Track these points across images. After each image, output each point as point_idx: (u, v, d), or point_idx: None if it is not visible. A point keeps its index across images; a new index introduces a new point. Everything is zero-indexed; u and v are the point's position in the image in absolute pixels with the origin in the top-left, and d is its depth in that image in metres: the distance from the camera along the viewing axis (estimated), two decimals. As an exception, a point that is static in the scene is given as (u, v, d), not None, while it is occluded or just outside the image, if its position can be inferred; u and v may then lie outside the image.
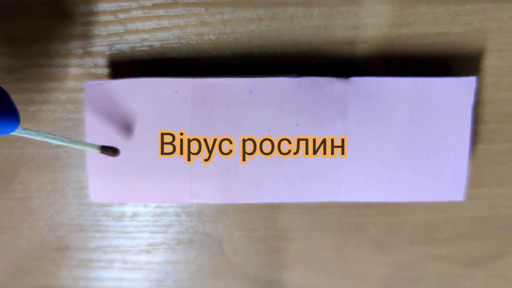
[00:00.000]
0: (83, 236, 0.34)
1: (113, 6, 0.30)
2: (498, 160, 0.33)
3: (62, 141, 0.25)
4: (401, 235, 0.34)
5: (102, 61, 0.31)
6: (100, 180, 0.29)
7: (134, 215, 0.33)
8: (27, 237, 0.34)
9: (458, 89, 0.28)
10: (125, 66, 0.31)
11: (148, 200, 0.29)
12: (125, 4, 0.30)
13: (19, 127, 0.23)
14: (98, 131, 0.29)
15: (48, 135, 0.25)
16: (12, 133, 0.23)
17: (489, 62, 0.31)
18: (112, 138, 0.29)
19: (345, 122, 0.29)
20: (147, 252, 0.34)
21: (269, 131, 0.29)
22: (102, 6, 0.30)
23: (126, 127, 0.29)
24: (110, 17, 0.30)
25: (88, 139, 0.29)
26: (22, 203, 0.33)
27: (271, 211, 0.33)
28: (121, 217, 0.33)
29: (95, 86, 0.28)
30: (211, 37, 0.31)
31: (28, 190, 0.33)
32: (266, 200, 0.29)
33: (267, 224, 0.33)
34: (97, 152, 0.27)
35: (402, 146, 0.29)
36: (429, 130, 0.29)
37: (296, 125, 0.29)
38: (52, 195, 0.33)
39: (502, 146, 0.33)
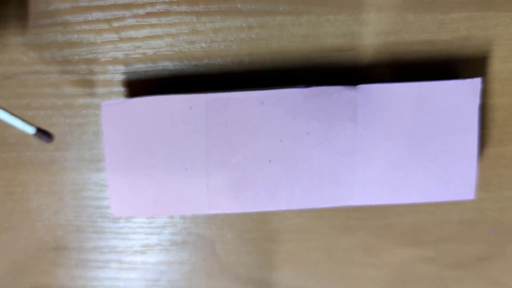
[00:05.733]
0: (80, 236, 0.35)
1: (107, 14, 0.31)
2: (484, 165, 0.33)
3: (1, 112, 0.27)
4: (389, 237, 0.34)
5: (96, 67, 0.32)
6: (121, 196, 0.30)
7: (129, 216, 0.34)
8: (26, 237, 0.35)
9: (464, 91, 0.29)
10: (119, 73, 0.32)
11: (168, 213, 0.30)
12: (119, 13, 0.31)
13: None
14: (117, 149, 0.29)
15: None
16: None
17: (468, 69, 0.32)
18: (131, 155, 0.29)
19: (355, 128, 0.29)
20: (142, 252, 0.35)
21: (281, 140, 0.29)
22: (96, 15, 0.31)
23: (143, 144, 0.29)
24: (105, 26, 0.31)
25: (108, 157, 0.29)
26: (21, 204, 0.34)
27: (262, 214, 0.34)
28: (117, 218, 0.34)
29: (111, 105, 0.29)
30: (203, 45, 0.31)
31: (27, 192, 0.34)
32: (282, 207, 0.30)
33: (258, 226, 0.34)
34: (32, 133, 0.28)
35: (411, 149, 0.30)
36: (437, 132, 0.29)
37: (308, 133, 0.29)
38: (50, 197, 0.34)
39: (487, 151, 0.33)
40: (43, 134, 0.27)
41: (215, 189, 0.30)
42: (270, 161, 0.30)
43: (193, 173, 0.30)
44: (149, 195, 0.30)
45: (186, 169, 0.30)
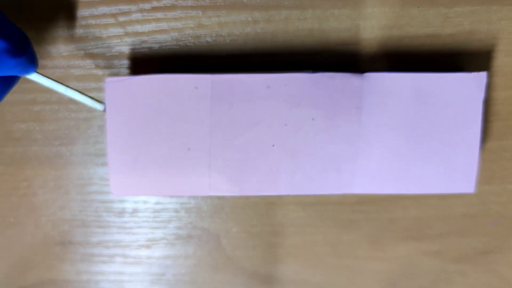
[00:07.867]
0: (86, 231, 0.35)
1: (113, 9, 0.31)
2: (487, 158, 0.33)
3: (72, 91, 0.28)
4: (393, 231, 0.35)
5: (102, 62, 0.32)
6: (120, 175, 0.30)
7: (135, 211, 0.34)
8: (32, 232, 0.35)
9: (469, 84, 0.29)
10: (124, 67, 0.32)
11: (168, 193, 0.30)
12: (125, 8, 0.31)
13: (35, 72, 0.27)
14: (119, 126, 0.29)
15: (59, 83, 0.28)
16: (28, 77, 0.27)
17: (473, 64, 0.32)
18: (133, 133, 0.29)
19: (359, 116, 0.29)
20: (147, 247, 0.35)
21: (286, 125, 0.29)
22: (102, 9, 0.31)
23: (146, 122, 0.29)
24: (111, 20, 0.31)
25: (109, 134, 0.29)
26: (26, 199, 0.34)
27: (267, 207, 0.34)
28: (121, 213, 0.34)
29: (115, 82, 0.29)
30: (208, 39, 0.32)
31: (33, 186, 0.34)
32: (283, 192, 0.30)
33: (263, 220, 0.34)
34: (101, 110, 0.29)
35: (414, 139, 0.30)
36: (440, 124, 0.30)
37: (312, 119, 0.29)
38: (55, 192, 0.34)
39: (491, 144, 0.33)
40: None
41: (216, 170, 0.30)
42: (273, 145, 0.30)
43: (195, 153, 0.30)
44: (150, 174, 0.30)
45: (188, 149, 0.29)
